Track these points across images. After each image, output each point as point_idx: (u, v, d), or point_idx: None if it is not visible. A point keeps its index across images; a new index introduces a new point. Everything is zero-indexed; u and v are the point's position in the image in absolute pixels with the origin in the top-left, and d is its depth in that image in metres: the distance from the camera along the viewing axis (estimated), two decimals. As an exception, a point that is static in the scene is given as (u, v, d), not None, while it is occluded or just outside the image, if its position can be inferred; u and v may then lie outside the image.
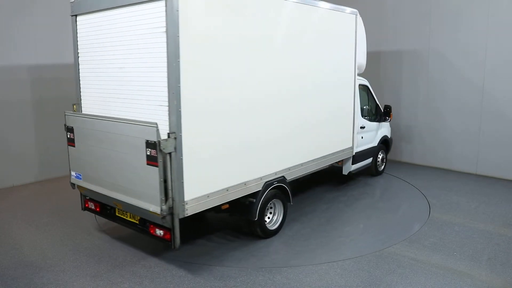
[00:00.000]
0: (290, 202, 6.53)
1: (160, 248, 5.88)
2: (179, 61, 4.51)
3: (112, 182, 5.33)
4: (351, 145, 8.05)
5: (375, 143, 9.15)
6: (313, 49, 6.77)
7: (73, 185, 6.09)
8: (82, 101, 5.99)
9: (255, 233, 6.13)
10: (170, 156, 4.61)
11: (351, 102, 7.96)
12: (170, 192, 4.70)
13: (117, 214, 5.69)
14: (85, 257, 5.65)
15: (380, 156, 9.50)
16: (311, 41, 6.71)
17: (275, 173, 6.15)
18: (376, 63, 10.97)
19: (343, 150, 7.82)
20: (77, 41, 5.85)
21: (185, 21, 4.51)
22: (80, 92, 5.98)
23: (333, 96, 7.45)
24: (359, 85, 8.44)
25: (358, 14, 7.85)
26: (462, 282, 4.98)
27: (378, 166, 9.50)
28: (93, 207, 6.03)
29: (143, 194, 4.90)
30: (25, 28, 8.66)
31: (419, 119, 10.52)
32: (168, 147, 4.56)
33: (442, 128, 10.17)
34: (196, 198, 4.92)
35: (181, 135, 4.64)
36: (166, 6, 4.46)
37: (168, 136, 4.60)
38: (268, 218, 6.25)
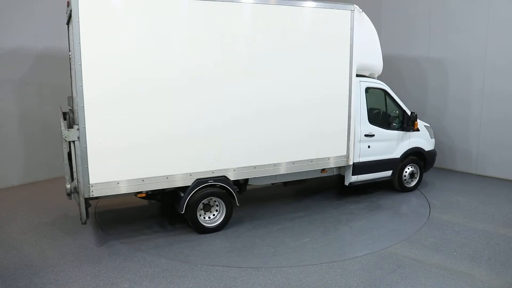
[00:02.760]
0: (236, 203, 6.47)
1: (160, 249, 5.89)
2: (80, 65, 5.28)
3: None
4: (344, 154, 7.31)
5: (396, 154, 7.97)
6: (279, 48, 6.49)
7: None
8: (73, 95, 6.87)
9: (189, 225, 6.38)
10: (74, 144, 5.41)
11: (342, 106, 7.18)
12: (75, 174, 5.52)
13: None
14: (85, 257, 5.65)
15: (407, 170, 8.26)
16: (272, 40, 6.43)
17: (212, 172, 6.21)
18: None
19: (328, 158, 7.17)
20: (68, 46, 6.64)
21: (85, 30, 5.23)
22: (71, 87, 6.93)
23: (307, 100, 6.83)
24: (370, 88, 7.68)
25: (356, 10, 7.04)
26: (462, 282, 4.98)
27: (404, 182, 8.26)
28: None
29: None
30: (25, 19, 8.67)
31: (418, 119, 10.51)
32: (70, 136, 5.40)
33: (441, 128, 10.17)
34: (102, 183, 5.58)
35: (84, 127, 5.38)
36: (72, 17, 5.24)
37: (72, 127, 5.45)
38: (213, 215, 6.43)
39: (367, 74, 7.91)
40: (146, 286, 4.92)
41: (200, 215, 6.30)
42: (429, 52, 10.15)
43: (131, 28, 5.50)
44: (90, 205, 6.13)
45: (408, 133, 8.09)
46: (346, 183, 7.68)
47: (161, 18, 5.65)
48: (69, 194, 5.74)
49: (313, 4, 6.66)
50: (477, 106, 9.49)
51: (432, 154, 8.60)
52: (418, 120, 8.19)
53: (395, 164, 8.04)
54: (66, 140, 5.49)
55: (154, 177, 5.85)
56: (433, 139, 8.69)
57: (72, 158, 5.49)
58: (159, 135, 5.81)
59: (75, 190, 5.63)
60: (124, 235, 6.35)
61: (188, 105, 5.94)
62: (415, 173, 8.39)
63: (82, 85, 5.32)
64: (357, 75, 7.45)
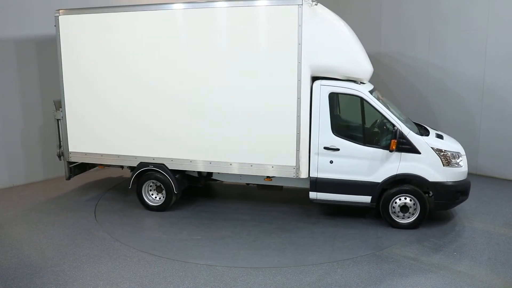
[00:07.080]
0: (174, 190, 7.10)
1: (160, 249, 5.90)
2: (62, 67, 7.38)
3: None
4: (293, 165, 6.56)
5: (374, 178, 6.39)
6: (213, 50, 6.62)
7: None
8: None
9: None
10: (59, 121, 7.60)
11: (289, 111, 6.46)
12: (62, 143, 7.66)
13: None
14: (85, 257, 5.66)
15: (398, 201, 6.42)
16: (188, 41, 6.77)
17: (153, 158, 7.18)
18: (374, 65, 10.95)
19: (271, 166, 6.65)
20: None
21: (64, 44, 7.26)
22: None
23: (244, 105, 6.62)
24: (339, 94, 6.50)
25: (305, 4, 6.12)
26: (462, 282, 4.98)
27: (392, 214, 6.48)
28: None
29: None
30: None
31: (417, 119, 10.51)
32: (57, 115, 7.61)
33: (441, 128, 10.15)
34: (76, 152, 7.59)
35: (65, 110, 7.48)
36: (56, 33, 7.29)
37: (58, 109, 7.57)
38: (163, 196, 7.30)
39: (340, 77, 6.53)
40: (146, 286, 4.93)
41: (152, 194, 7.38)
42: (429, 52, 10.14)
43: (96, 43, 7.12)
44: (86, 170, 8.08)
45: (398, 153, 6.30)
46: (310, 198, 6.74)
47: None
48: (58, 156, 7.73)
49: (253, 3, 6.36)
50: (477, 106, 9.48)
51: (445, 188, 6.30)
52: (426, 139, 6.41)
53: (374, 190, 6.43)
54: (55, 118, 7.61)
55: (109, 154, 7.40)
56: (456, 168, 6.40)
57: (60, 131, 7.62)
58: (114, 124, 7.24)
59: (62, 154, 7.67)
60: (125, 235, 6.36)
61: (133, 105, 7.10)
62: (411, 207, 6.44)
63: (62, 80, 7.40)
64: (324, 78, 6.53)
